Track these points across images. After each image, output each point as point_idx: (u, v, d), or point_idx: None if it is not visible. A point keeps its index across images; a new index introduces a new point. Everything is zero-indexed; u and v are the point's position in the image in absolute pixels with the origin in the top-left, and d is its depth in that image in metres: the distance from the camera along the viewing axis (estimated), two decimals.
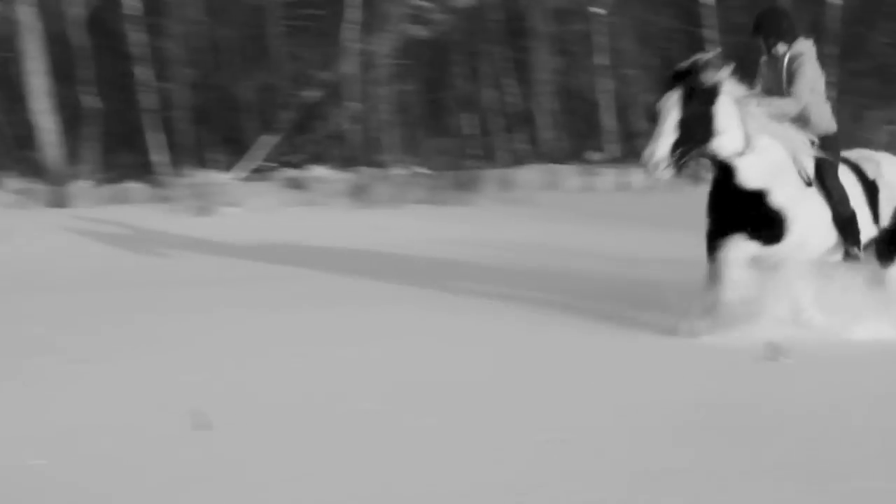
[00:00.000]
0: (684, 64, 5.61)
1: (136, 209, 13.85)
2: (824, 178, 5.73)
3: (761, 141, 5.61)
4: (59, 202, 15.00)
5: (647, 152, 5.47)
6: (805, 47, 5.84)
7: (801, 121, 5.85)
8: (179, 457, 3.73)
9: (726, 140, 5.59)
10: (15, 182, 16.11)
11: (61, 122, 15.62)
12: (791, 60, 5.83)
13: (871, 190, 5.92)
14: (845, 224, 5.75)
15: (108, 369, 5.32)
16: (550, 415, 4.25)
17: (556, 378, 4.98)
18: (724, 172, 5.73)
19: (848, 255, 5.83)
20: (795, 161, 5.68)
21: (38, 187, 15.73)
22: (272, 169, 15.79)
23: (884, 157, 6.11)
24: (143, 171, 15.71)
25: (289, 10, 17.96)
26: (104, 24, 16.69)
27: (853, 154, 6.10)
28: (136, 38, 16.64)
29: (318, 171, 14.97)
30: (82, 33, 16.63)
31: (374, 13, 18.31)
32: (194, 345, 5.93)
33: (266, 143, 16.47)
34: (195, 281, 8.47)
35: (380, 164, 16.22)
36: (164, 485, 3.43)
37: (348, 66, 17.83)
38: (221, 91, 16.70)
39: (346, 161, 16.17)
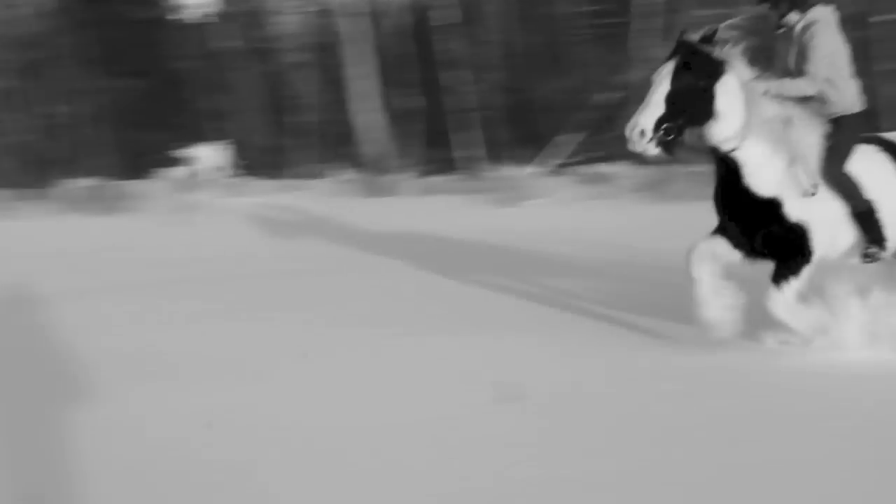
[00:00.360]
0: (693, 33, 4.99)
1: (450, 199, 15.31)
2: (829, 170, 4.98)
3: (766, 135, 4.95)
4: (380, 192, 16.96)
5: (629, 124, 4.88)
6: (822, 14, 5.05)
7: (819, 100, 5.13)
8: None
9: (722, 126, 4.95)
10: (339, 174, 18.33)
11: (386, 120, 17.69)
12: (804, 31, 5.05)
13: None
14: (861, 220, 4.98)
15: (433, 343, 5.75)
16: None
17: None
18: (727, 169, 5.09)
19: (867, 256, 5.07)
20: (796, 165, 4.96)
21: (361, 178, 17.79)
22: (572, 164, 16.78)
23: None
24: (456, 165, 17.31)
25: (587, 19, 18.93)
26: (423, 33, 18.65)
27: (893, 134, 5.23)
28: (452, 46, 18.40)
29: (615, 168, 15.69)
30: (405, 41, 18.69)
31: (665, 22, 18.82)
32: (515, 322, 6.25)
33: (566, 141, 17.52)
34: (504, 266, 8.83)
35: (675, 161, 16.62)
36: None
37: (639, 72, 18.52)
38: (526, 93, 17.99)
39: (641, 158, 16.73)
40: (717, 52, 4.91)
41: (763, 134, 4.93)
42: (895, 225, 5.03)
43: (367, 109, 17.50)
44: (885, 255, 5.08)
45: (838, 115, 5.10)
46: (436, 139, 17.95)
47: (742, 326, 5.05)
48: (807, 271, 4.97)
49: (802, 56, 5.06)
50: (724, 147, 4.98)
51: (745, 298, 5.06)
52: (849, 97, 5.13)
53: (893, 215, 5.01)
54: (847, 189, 4.97)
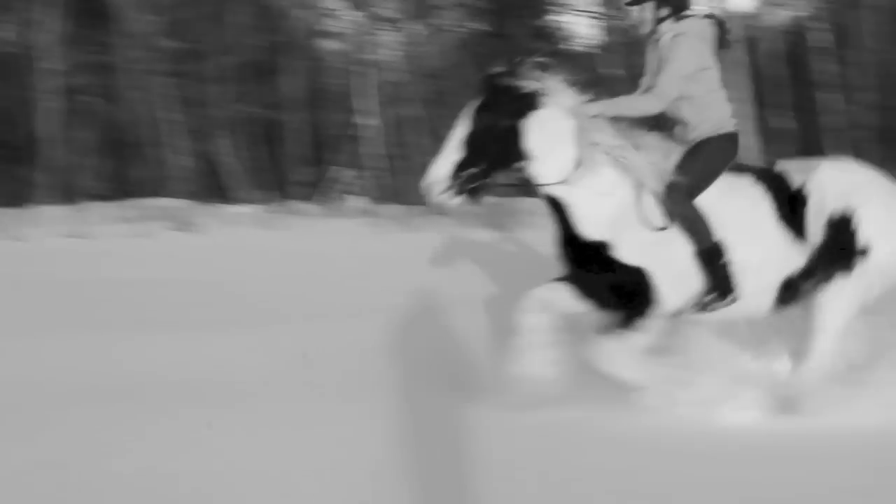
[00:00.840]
0: (499, 67, 4.39)
1: None
2: (672, 203, 4.29)
3: (599, 169, 4.32)
4: None
5: (425, 173, 4.30)
6: (691, 26, 4.42)
7: (673, 121, 4.58)
8: None
9: (539, 166, 4.34)
10: None
11: (759, 142, 19.40)
12: (669, 42, 4.41)
13: (792, 204, 4.39)
14: (704, 261, 4.29)
15: None
16: None
17: None
18: (557, 210, 4.45)
19: (702, 306, 4.40)
20: (640, 199, 4.33)
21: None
22: None
23: (825, 164, 4.58)
24: None
25: None
26: (796, 56, 20.13)
27: (784, 163, 4.65)
28: (825, 67, 19.74)
29: None
30: (778, 64, 20.33)
31: None
32: None
33: None
34: None
35: None
36: None
37: None
38: None
39: None
40: (526, 85, 4.32)
41: (595, 168, 4.33)
42: (757, 273, 4.35)
43: (742, 132, 19.41)
44: (726, 305, 4.39)
45: (698, 139, 4.49)
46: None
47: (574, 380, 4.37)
48: (652, 323, 4.32)
49: (659, 70, 4.44)
50: (547, 188, 4.38)
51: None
52: (713, 119, 4.52)
53: (757, 262, 4.34)
54: (692, 226, 4.30)
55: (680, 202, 4.26)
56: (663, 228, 4.25)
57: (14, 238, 13.57)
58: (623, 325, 4.30)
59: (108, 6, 21.60)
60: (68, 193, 19.19)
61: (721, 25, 4.53)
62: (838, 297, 4.30)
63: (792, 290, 4.37)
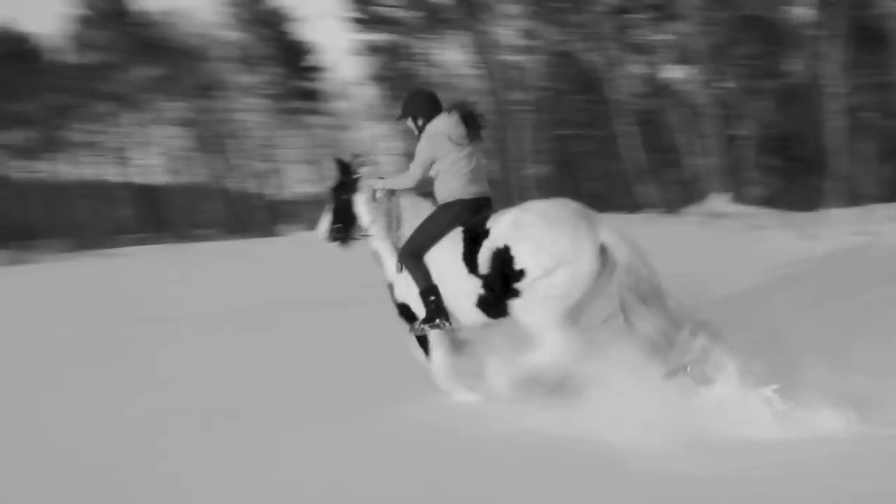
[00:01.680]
0: (341, 159, 6.12)
1: None
2: (401, 252, 5.79)
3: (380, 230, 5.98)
4: None
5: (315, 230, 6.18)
6: (432, 127, 5.69)
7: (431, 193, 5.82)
8: None
9: (364, 225, 6.01)
10: None
11: None
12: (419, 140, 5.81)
13: (476, 244, 5.35)
14: (422, 298, 5.58)
15: None
16: None
17: None
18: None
19: (415, 330, 5.67)
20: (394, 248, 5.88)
21: None
22: None
23: (512, 210, 5.32)
24: None
25: None
26: None
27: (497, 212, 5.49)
28: None
29: None
30: None
31: None
32: None
33: None
34: None
35: None
36: None
37: None
38: None
39: None
40: (355, 172, 6.08)
41: (381, 227, 5.94)
42: (456, 300, 5.50)
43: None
44: (442, 327, 5.55)
45: (446, 201, 5.74)
46: None
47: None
48: (429, 339, 5.70)
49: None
50: (370, 240, 6.07)
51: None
52: (446, 192, 5.70)
53: (452, 293, 5.52)
54: (412, 274, 5.64)
55: (402, 258, 5.76)
56: (399, 271, 5.80)
57: (809, 237, 15.44)
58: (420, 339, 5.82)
59: (884, 32, 24.56)
60: (853, 197, 22.81)
61: (468, 115, 5.77)
62: (526, 310, 5.16)
63: (492, 308, 5.38)
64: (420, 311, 5.62)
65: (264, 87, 41.37)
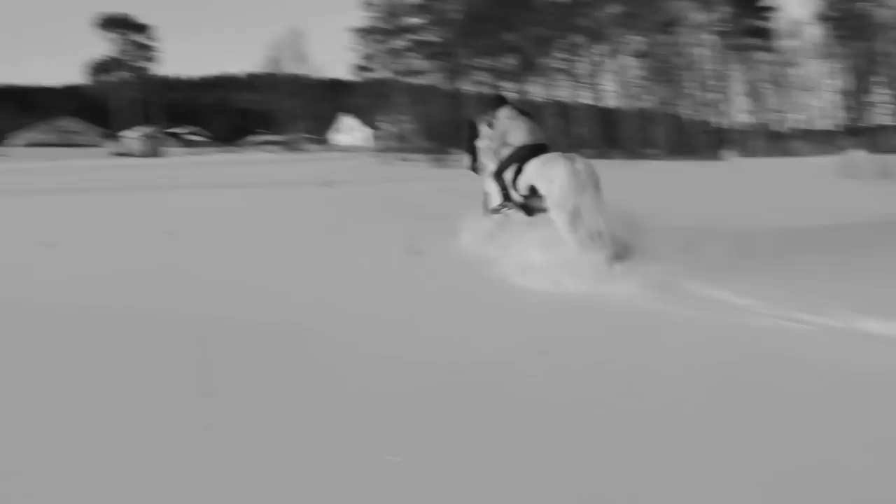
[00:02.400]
0: (471, 121, 8.14)
1: None
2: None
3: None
4: None
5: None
6: (500, 113, 7.77)
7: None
8: None
9: (482, 161, 7.98)
10: None
11: None
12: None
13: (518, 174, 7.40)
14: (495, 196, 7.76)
15: None
16: None
17: None
18: None
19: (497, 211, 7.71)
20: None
21: None
22: None
23: (546, 156, 7.14)
24: None
25: None
26: None
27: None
28: None
29: None
30: None
31: None
32: None
33: None
34: None
35: None
36: None
37: None
38: None
39: None
40: (478, 130, 7.90)
41: (485, 161, 7.85)
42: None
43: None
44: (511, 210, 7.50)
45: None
46: None
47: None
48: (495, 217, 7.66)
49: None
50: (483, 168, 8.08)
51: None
52: (516, 140, 7.48)
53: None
54: (496, 181, 7.56)
55: (492, 175, 7.67)
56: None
57: None
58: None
59: None
60: None
61: (516, 105, 7.94)
62: (552, 213, 6.72)
63: (524, 209, 7.33)
64: (496, 202, 7.66)
65: (717, 23, 45.13)
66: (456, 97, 49.52)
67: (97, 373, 3.78)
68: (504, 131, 7.56)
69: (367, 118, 67.58)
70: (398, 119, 54.41)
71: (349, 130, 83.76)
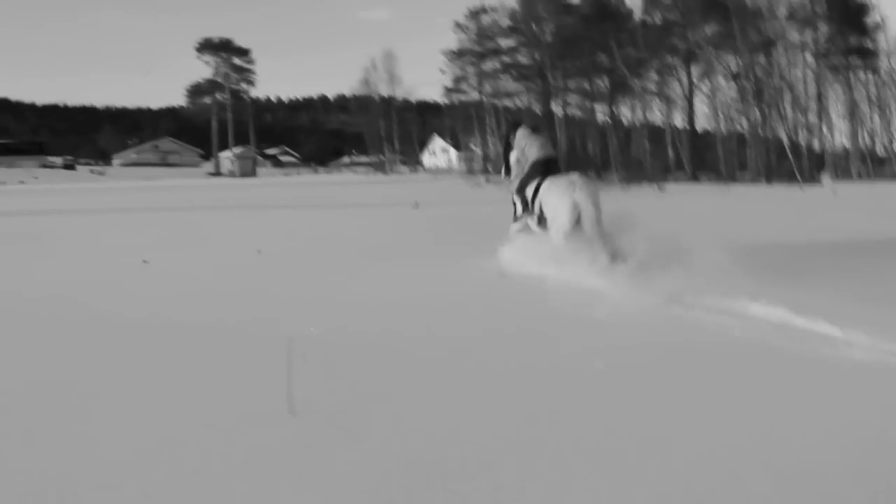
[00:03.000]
0: (506, 134, 9.00)
1: None
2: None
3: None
4: None
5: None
6: (518, 133, 8.63)
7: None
8: None
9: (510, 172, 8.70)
10: None
11: None
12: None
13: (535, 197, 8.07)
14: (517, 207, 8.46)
15: None
16: None
17: None
18: None
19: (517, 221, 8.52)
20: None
21: None
22: None
23: (551, 182, 7.82)
24: None
25: None
26: None
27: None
28: None
29: None
30: None
31: None
32: None
33: None
34: None
35: None
36: None
37: None
38: None
39: None
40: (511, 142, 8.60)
41: (513, 172, 8.51)
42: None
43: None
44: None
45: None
46: None
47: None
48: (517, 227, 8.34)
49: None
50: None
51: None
52: (530, 157, 8.27)
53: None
54: (517, 195, 8.32)
55: (515, 190, 8.38)
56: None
57: None
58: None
59: None
60: None
61: (530, 125, 8.83)
62: (552, 236, 7.45)
63: (539, 223, 7.87)
64: (519, 214, 8.37)
65: (817, 43, 43.89)
66: (548, 119, 49.57)
67: (184, 386, 3.82)
68: (521, 148, 8.45)
69: (456, 140, 69.08)
70: (487, 141, 54.90)
71: (439, 152, 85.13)
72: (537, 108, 52.12)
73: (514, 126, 8.83)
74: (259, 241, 10.41)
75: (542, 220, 7.84)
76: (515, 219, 8.40)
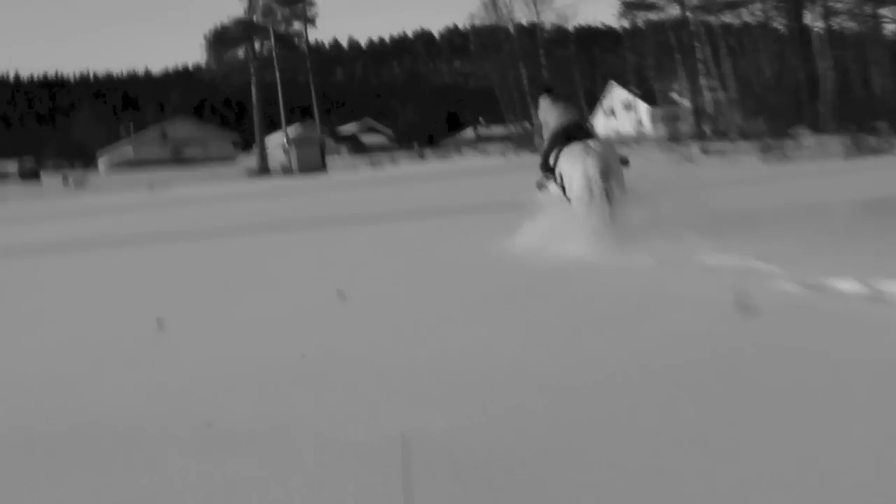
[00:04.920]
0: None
1: None
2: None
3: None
4: None
5: None
6: (541, 101, 8.73)
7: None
8: None
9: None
10: None
11: None
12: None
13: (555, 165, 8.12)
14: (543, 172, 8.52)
15: None
16: None
17: None
18: None
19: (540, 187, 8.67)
20: None
21: None
22: None
23: (569, 150, 7.83)
24: None
25: None
26: None
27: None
28: None
29: None
30: None
31: None
32: None
33: None
34: None
35: None
36: None
37: None
38: None
39: None
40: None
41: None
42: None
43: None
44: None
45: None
46: None
47: None
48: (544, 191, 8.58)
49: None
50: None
51: None
52: (553, 127, 8.35)
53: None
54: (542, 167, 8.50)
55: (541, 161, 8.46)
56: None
57: None
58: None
59: None
60: None
61: (556, 92, 8.82)
62: (573, 203, 7.76)
63: (563, 190, 8.01)
64: (544, 181, 8.49)
65: None
66: (802, 40, 30.62)
67: None
68: (544, 118, 8.62)
69: (647, 89, 45.15)
70: (705, 86, 33.09)
71: (620, 109, 55.57)
72: (780, 24, 32.23)
73: (538, 94, 9.13)
74: (340, 277, 7.24)
75: (564, 190, 8.04)
76: (539, 188, 8.63)
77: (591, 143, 7.74)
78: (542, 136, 8.68)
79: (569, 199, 7.80)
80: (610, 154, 7.66)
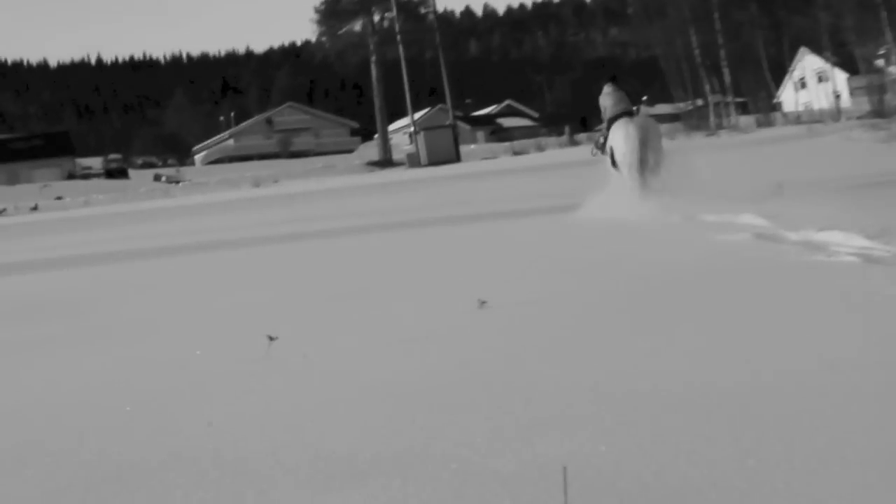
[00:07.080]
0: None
1: None
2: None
3: None
4: None
5: None
6: (604, 89, 10.18)
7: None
8: None
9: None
10: None
11: None
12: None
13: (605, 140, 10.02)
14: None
15: None
16: None
17: None
18: None
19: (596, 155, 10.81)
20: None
21: None
22: None
23: (616, 124, 9.66)
24: None
25: None
26: None
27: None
28: None
29: None
30: None
31: None
32: None
33: None
34: None
35: None
36: None
37: None
38: None
39: None
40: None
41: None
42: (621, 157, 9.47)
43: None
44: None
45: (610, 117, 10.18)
46: None
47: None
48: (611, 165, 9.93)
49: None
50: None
51: None
52: (608, 113, 10.04)
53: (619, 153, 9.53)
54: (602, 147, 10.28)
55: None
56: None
57: None
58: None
59: None
60: None
61: (617, 82, 10.46)
62: (620, 168, 9.54)
63: (613, 163, 9.76)
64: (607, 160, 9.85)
65: None
66: None
67: None
68: (604, 101, 9.97)
69: (844, 55, 36.92)
70: None
71: (811, 81, 45.47)
72: None
73: (602, 83, 10.33)
74: (475, 280, 6.31)
75: (615, 164, 9.46)
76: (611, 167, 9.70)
77: (637, 118, 9.55)
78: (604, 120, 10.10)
79: (617, 169, 9.42)
80: (650, 127, 9.44)
